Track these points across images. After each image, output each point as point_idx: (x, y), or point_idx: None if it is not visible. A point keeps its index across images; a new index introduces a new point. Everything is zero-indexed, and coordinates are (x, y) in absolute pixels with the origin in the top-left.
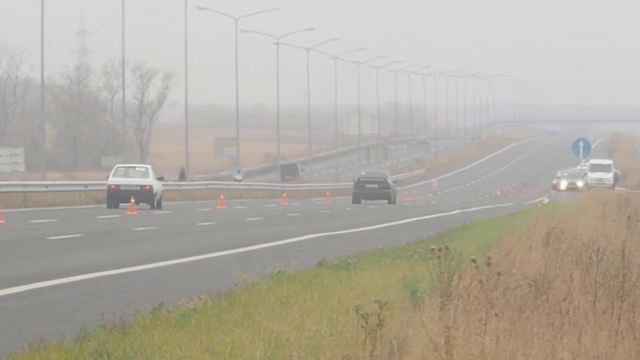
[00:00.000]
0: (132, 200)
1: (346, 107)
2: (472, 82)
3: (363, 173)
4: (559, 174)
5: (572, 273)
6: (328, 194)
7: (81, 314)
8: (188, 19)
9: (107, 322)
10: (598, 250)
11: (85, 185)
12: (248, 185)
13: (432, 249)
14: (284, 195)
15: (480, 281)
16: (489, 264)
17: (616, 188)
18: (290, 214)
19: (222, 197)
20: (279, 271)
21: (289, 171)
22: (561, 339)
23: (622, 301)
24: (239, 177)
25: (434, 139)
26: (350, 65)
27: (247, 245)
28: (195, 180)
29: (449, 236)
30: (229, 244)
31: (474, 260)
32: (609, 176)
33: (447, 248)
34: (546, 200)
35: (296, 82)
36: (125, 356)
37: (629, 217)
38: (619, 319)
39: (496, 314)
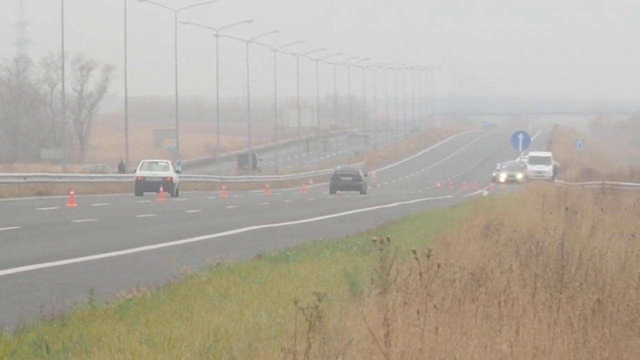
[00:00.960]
0: (72, 192)
1: (286, 100)
2: (411, 75)
3: (339, 167)
4: (498, 166)
5: (511, 265)
6: (267, 186)
7: (20, 306)
8: (128, 11)
9: (46, 313)
10: (537, 243)
11: (25, 177)
12: (187, 177)
13: (374, 241)
14: (223, 187)
15: (420, 273)
16: (428, 256)
17: (555, 180)
18: (230, 206)
19: (161, 189)
20: (218, 263)
21: (247, 161)
22: (500, 330)
23: (560, 293)
24: (178, 168)
25: (374, 132)
26: (290, 57)
27: (186, 238)
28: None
29: (388, 228)
30: (168, 236)
31: (414, 252)
32: (548, 168)
33: (388, 240)
34: (485, 193)
35: (236, 74)
36: (64, 348)
37: (567, 209)
38: (558, 311)
39: (435, 306)
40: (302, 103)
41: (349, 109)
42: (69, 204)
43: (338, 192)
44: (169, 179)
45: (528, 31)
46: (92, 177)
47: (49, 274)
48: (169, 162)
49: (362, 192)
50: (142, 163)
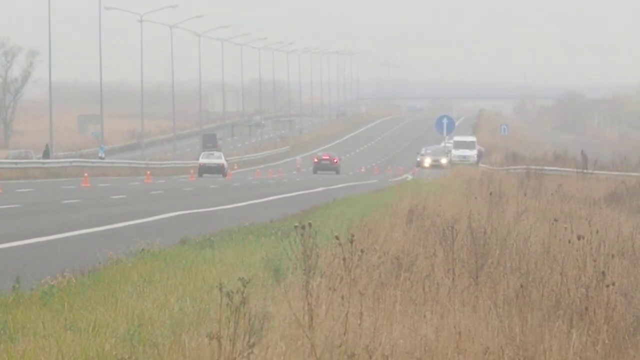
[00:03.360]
0: None
1: (210, 84)
2: (336, 59)
3: (320, 154)
4: (423, 151)
5: (435, 250)
6: (192, 171)
7: None
8: None
9: None
10: (452, 227)
11: None
12: (112, 162)
13: (296, 226)
14: (148, 172)
15: (344, 259)
16: (351, 241)
17: (480, 165)
18: (155, 192)
19: (86, 174)
20: (143, 249)
21: (209, 140)
22: (424, 315)
23: (477, 278)
24: (101, 154)
25: (299, 116)
26: (214, 42)
27: (111, 223)
28: (59, 158)
29: (313, 213)
30: (93, 221)
31: (337, 237)
32: (472, 153)
33: (310, 225)
34: (410, 178)
35: (160, 58)
36: None
37: (491, 194)
38: (477, 297)
39: (359, 291)
40: (227, 87)
41: (273, 94)
42: None
43: (319, 172)
44: (221, 164)
45: (454, 15)
46: (16, 163)
47: None
48: (222, 153)
49: (337, 172)
50: (202, 153)
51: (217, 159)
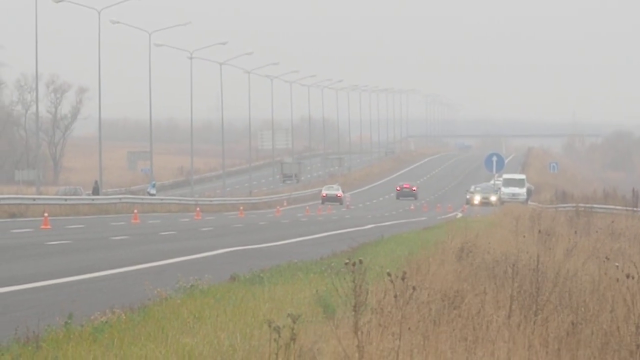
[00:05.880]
0: (46, 214)
1: (259, 122)
2: (385, 97)
3: (401, 183)
4: (472, 188)
5: (485, 287)
6: (242, 208)
7: None
8: (102, 33)
9: (21, 336)
10: (513, 265)
11: None
12: (161, 199)
13: (347, 263)
14: (198, 209)
15: (395, 296)
16: (403, 278)
17: (529, 203)
18: (204, 228)
19: (135, 211)
20: (192, 285)
21: (289, 169)
22: (475, 353)
23: (535, 315)
24: (152, 191)
25: (347, 154)
26: (264, 79)
27: (160, 260)
28: (108, 194)
29: (362, 251)
30: (142, 258)
31: (389, 274)
32: (522, 191)
33: (360, 262)
34: (460, 215)
35: (209, 95)
36: None
37: (539, 232)
38: (533, 333)
39: (410, 328)
40: (276, 125)
41: (322, 131)
42: (43, 226)
43: (401, 198)
44: (339, 195)
45: (503, 55)
46: (66, 199)
47: (24, 296)
48: (339, 186)
49: (416, 198)
50: (325, 186)
51: (336, 190)
